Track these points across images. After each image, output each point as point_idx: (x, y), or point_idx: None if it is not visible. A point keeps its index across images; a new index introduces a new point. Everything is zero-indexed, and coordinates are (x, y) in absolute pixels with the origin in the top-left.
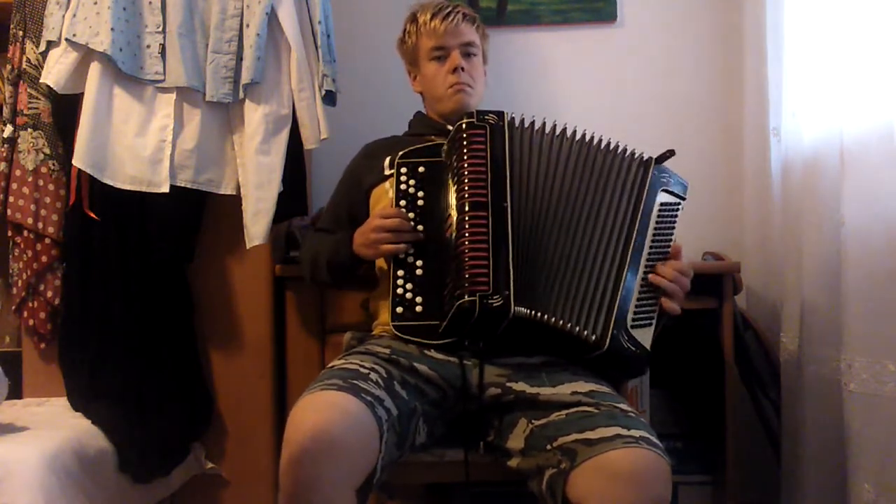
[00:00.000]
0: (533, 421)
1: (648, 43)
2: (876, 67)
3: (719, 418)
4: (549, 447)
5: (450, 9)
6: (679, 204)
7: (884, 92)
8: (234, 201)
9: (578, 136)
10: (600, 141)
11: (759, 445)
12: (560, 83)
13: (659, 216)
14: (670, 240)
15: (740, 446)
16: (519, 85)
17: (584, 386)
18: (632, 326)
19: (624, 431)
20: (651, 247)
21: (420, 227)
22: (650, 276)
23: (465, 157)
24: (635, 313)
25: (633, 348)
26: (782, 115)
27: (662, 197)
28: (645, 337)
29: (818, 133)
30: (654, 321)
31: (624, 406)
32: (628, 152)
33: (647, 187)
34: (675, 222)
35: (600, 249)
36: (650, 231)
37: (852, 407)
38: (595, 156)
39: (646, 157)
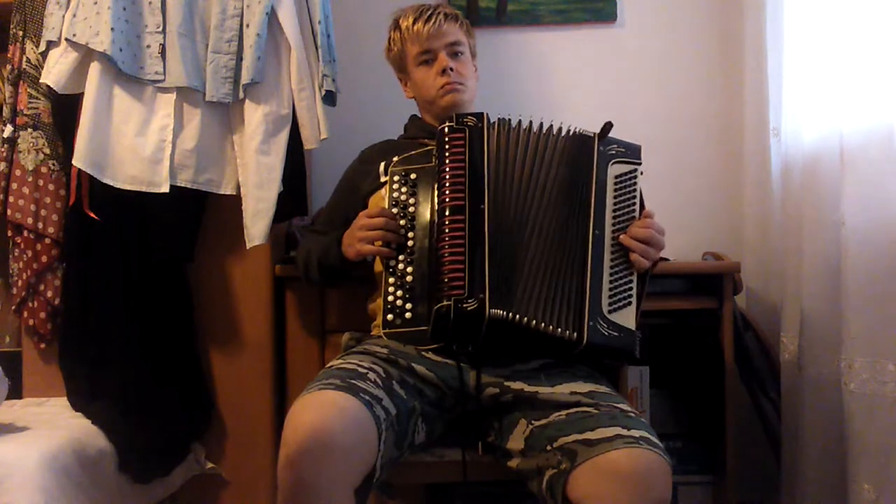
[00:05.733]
0: (533, 421)
1: (648, 43)
2: (876, 67)
3: (719, 418)
4: (548, 448)
5: (431, 11)
6: (635, 170)
7: (884, 92)
8: (234, 201)
9: (546, 129)
10: (559, 129)
11: (759, 445)
12: (560, 83)
13: (616, 189)
14: (634, 208)
15: (740, 446)
16: (519, 85)
17: (583, 386)
18: (610, 311)
19: (624, 431)
20: (614, 223)
21: (410, 234)
22: (620, 237)
23: (446, 162)
24: (611, 297)
25: (616, 333)
26: (782, 115)
27: (615, 169)
28: (627, 318)
29: (818, 133)
30: (632, 300)
31: (624, 406)
32: (573, 133)
33: (594, 165)
34: (635, 189)
35: (565, 242)
36: (608, 208)
37: (852, 407)
38: (556, 145)
39: (588, 133)
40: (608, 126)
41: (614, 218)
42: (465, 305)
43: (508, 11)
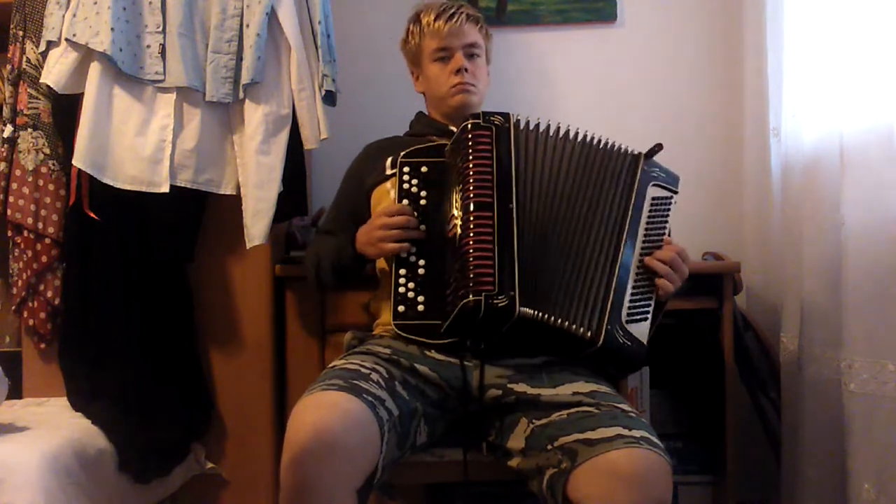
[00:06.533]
0: (534, 421)
1: (648, 43)
2: (876, 67)
3: (719, 418)
4: (549, 447)
5: (454, 9)
6: (671, 197)
7: (884, 92)
8: (234, 201)
9: (580, 137)
10: (598, 140)
11: (759, 445)
12: (560, 83)
13: (651, 210)
14: (663, 233)
15: (740, 446)
16: (519, 85)
17: (584, 386)
18: (627, 321)
19: (625, 431)
20: (644, 241)
21: (422, 227)
22: (646, 259)
23: (471, 158)
24: (630, 308)
25: (629, 343)
26: (782, 115)
27: (653, 191)
28: (641, 332)
29: (818, 133)
30: (649, 316)
31: (625, 406)
32: (620, 149)
33: (636, 183)
34: (667, 215)
35: (595, 248)
36: (642, 226)
37: (852, 407)
38: (594, 155)
39: (636, 152)
40: (657, 148)
41: (645, 236)
42: (495, 301)
43: (508, 11)
